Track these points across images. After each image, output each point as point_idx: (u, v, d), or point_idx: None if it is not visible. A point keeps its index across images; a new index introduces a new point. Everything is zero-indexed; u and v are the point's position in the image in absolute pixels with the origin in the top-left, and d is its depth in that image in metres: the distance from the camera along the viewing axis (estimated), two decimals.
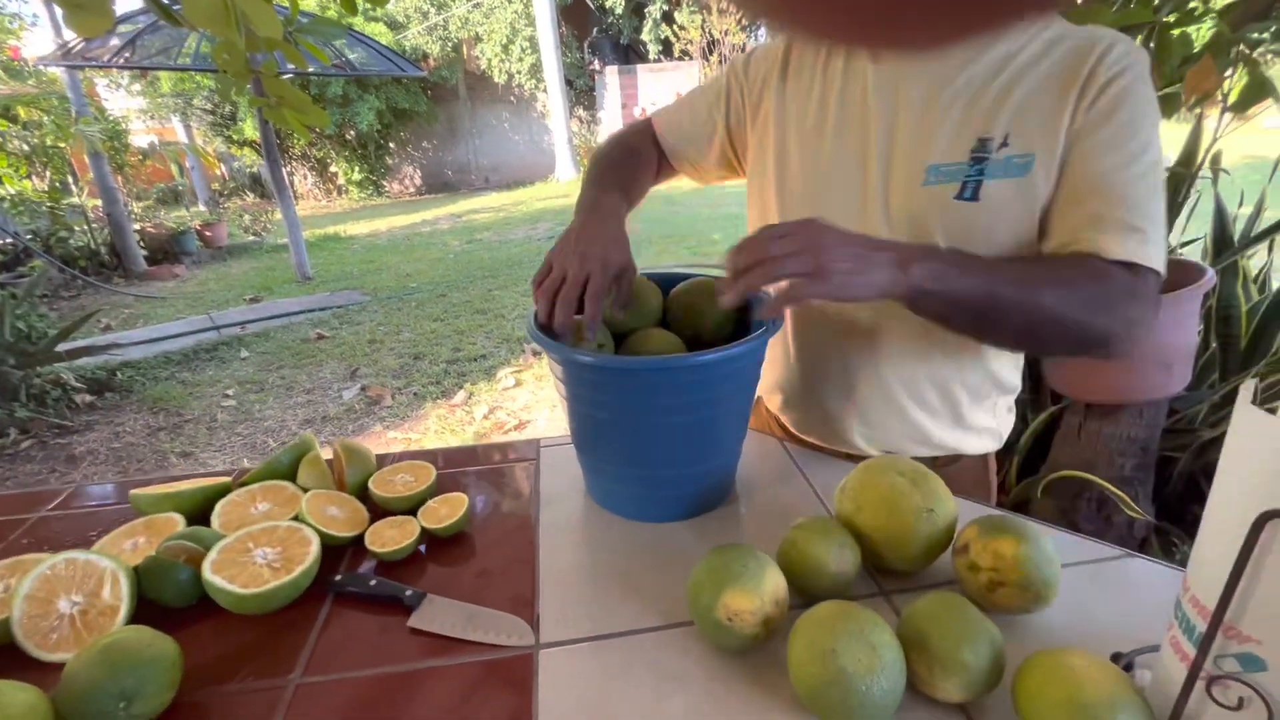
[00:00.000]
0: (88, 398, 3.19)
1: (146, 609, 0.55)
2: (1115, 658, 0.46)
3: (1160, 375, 1.31)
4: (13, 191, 5.57)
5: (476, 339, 3.83)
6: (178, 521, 0.64)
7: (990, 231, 0.67)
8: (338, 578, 0.59)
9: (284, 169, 5.53)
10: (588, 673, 0.50)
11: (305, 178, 11.33)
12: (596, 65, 11.57)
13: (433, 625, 0.54)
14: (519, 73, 10.94)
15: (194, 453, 2.74)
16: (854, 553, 0.55)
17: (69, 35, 5.13)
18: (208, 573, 0.54)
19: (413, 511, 0.67)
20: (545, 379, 3.26)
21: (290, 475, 0.72)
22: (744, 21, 10.14)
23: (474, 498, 0.72)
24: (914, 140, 0.68)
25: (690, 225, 6.65)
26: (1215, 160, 1.40)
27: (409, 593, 0.57)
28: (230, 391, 3.29)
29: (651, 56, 11.46)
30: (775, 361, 0.86)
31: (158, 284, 5.75)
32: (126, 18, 4.76)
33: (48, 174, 5.86)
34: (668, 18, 10.96)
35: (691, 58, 10.73)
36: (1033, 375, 1.60)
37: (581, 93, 11.80)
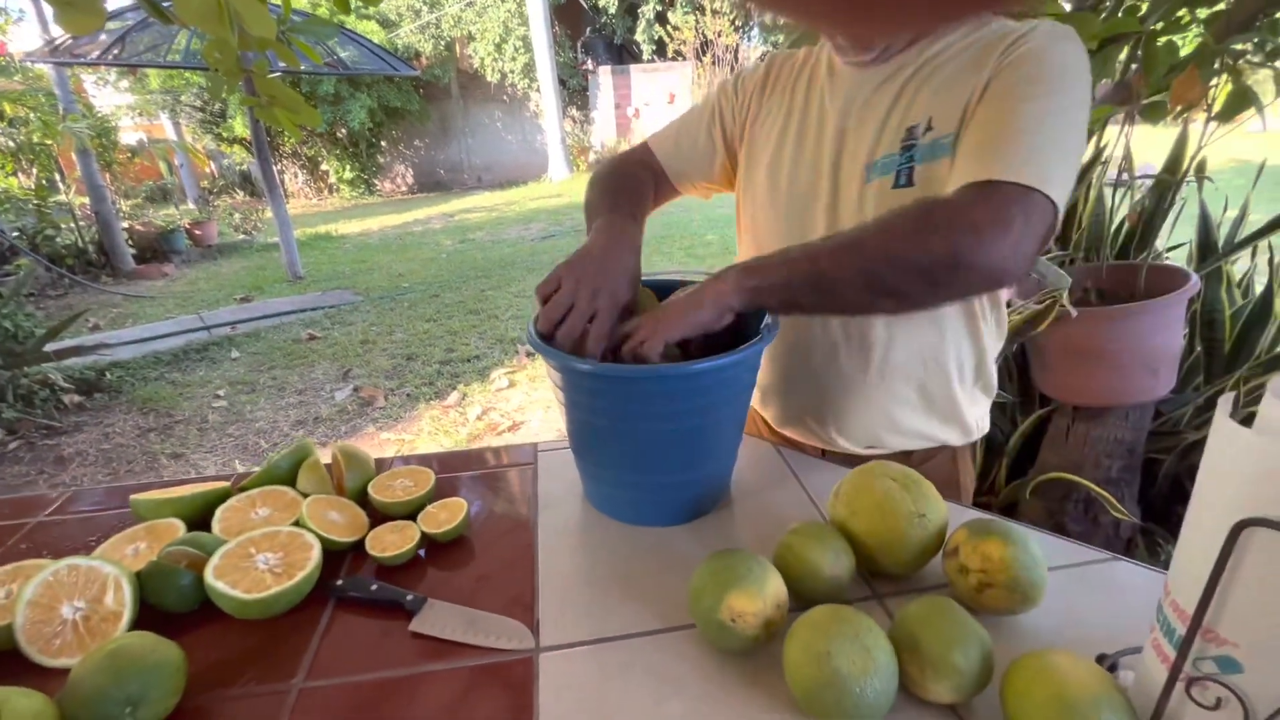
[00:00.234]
0: (76, 398, 3.16)
1: (149, 614, 0.56)
2: (1100, 659, 0.48)
3: (1146, 379, 1.34)
4: None
5: (470, 340, 3.82)
6: (178, 527, 0.64)
7: None
8: (339, 582, 0.60)
9: (274, 167, 5.49)
10: (587, 676, 0.51)
11: (296, 176, 11.26)
12: (590, 65, 11.57)
13: (434, 629, 0.55)
14: (512, 72, 10.92)
15: (185, 454, 2.73)
16: (848, 557, 0.56)
17: (56, 31, 5.08)
18: (210, 578, 0.55)
19: (412, 516, 0.68)
20: (539, 380, 3.26)
21: (289, 480, 0.72)
22: (737, 22, 10.16)
23: (473, 502, 0.73)
24: (856, 144, 0.72)
25: (684, 227, 6.67)
26: (1200, 167, 1.42)
27: (410, 597, 0.58)
28: (221, 392, 3.27)
29: (645, 56, 11.47)
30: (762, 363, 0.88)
31: (146, 283, 5.71)
32: (116, 15, 4.71)
33: (34, 171, 5.79)
34: (661, 18, 10.97)
35: (685, 58, 10.74)
36: (1022, 379, 1.63)
37: (575, 92, 11.79)
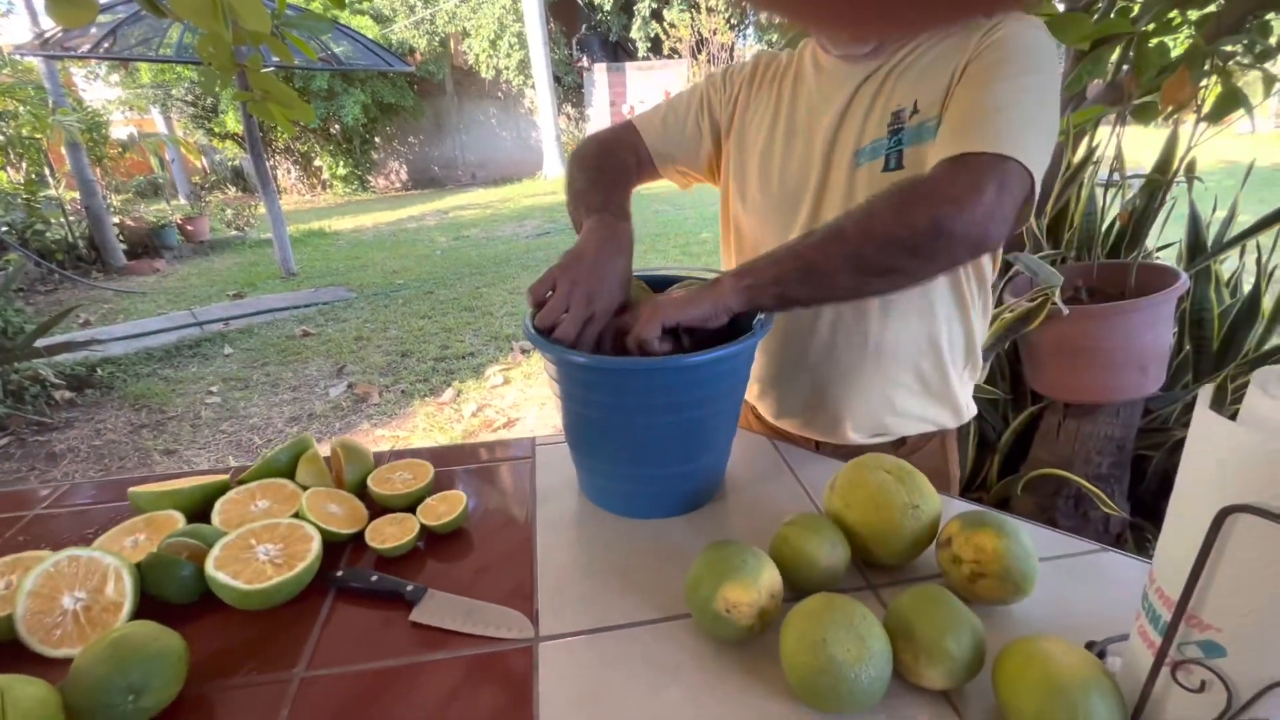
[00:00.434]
0: (67, 394, 3.14)
1: (149, 605, 0.56)
2: (1089, 646, 0.49)
3: (1136, 376, 1.36)
4: None
5: (464, 336, 3.82)
6: (177, 519, 0.65)
7: None
8: (339, 573, 0.60)
9: (267, 163, 5.45)
10: (586, 664, 0.52)
11: (289, 172, 11.18)
12: (585, 62, 11.54)
13: (434, 619, 0.55)
14: (507, 69, 10.88)
15: (178, 450, 2.71)
16: (844, 548, 0.57)
17: (46, 23, 5.03)
18: (211, 569, 0.55)
19: (411, 509, 0.68)
20: (534, 377, 3.26)
21: (288, 473, 0.72)
22: (732, 20, 10.16)
23: (471, 495, 0.74)
24: (844, 132, 0.74)
25: (678, 225, 6.67)
26: (1190, 167, 1.44)
27: (410, 588, 0.58)
28: (214, 388, 3.25)
29: (640, 54, 11.45)
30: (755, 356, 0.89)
31: (138, 279, 5.66)
32: (107, 7, 4.67)
33: (24, 165, 5.73)
34: (657, 15, 10.95)
35: (680, 56, 10.74)
36: (1014, 376, 1.65)
37: (570, 89, 11.76)
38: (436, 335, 3.86)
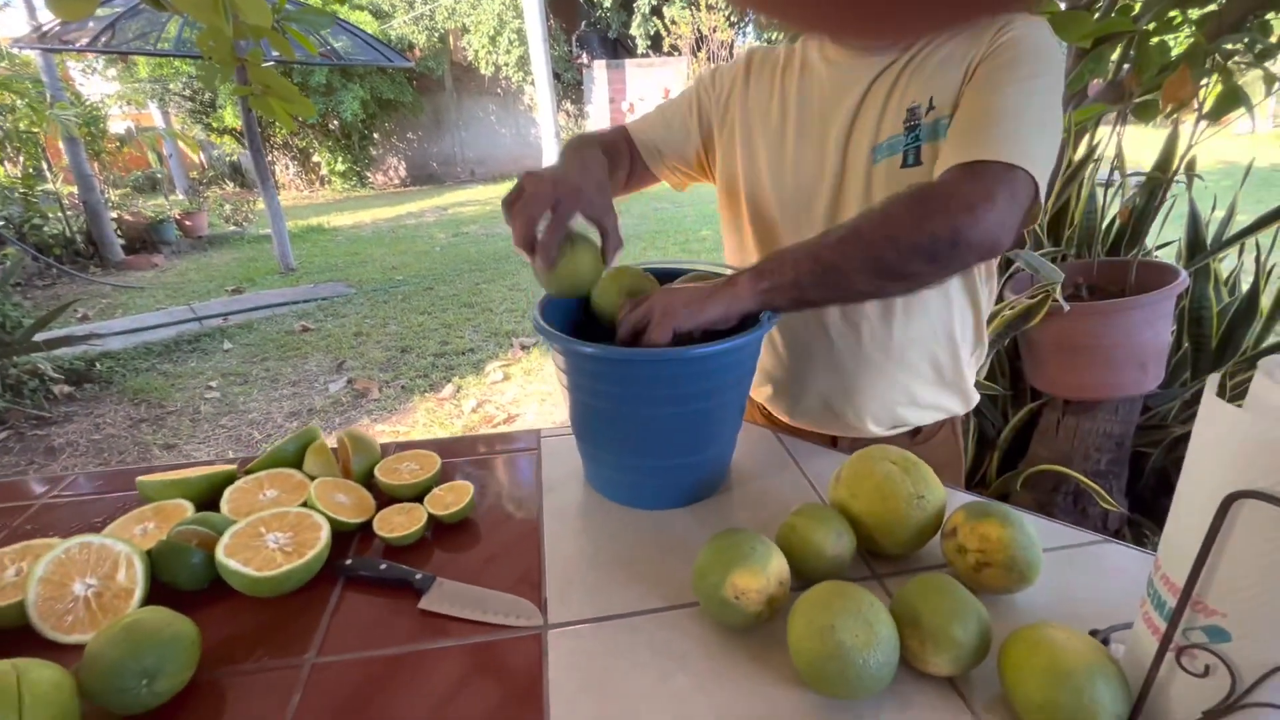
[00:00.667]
0: (66, 389, 3.13)
1: (159, 592, 0.56)
2: (1093, 633, 0.49)
3: (1135, 373, 1.37)
4: None
5: (464, 333, 3.82)
6: (185, 508, 0.65)
7: None
8: (348, 562, 0.60)
9: (265, 158, 5.44)
10: (594, 652, 0.52)
11: (287, 167, 11.15)
12: (584, 59, 11.52)
13: (443, 607, 0.56)
14: (506, 65, 10.85)
15: (177, 445, 2.71)
16: (849, 538, 0.57)
17: (44, 17, 5.01)
18: (221, 556, 0.55)
19: (418, 499, 0.68)
20: (534, 373, 3.26)
21: (295, 463, 0.73)
22: (733, 17, 10.16)
23: (478, 486, 0.74)
24: (861, 128, 0.73)
25: (678, 223, 6.67)
26: (1190, 166, 1.45)
27: (419, 576, 0.58)
28: (213, 383, 3.25)
29: (640, 51, 11.44)
30: (762, 355, 0.89)
31: (136, 274, 5.65)
32: (106, 0, 4.65)
33: (21, 159, 5.71)
34: (656, 12, 10.93)
35: (680, 53, 10.72)
36: (1014, 373, 1.65)
37: (569, 86, 11.73)
38: (436, 331, 3.86)
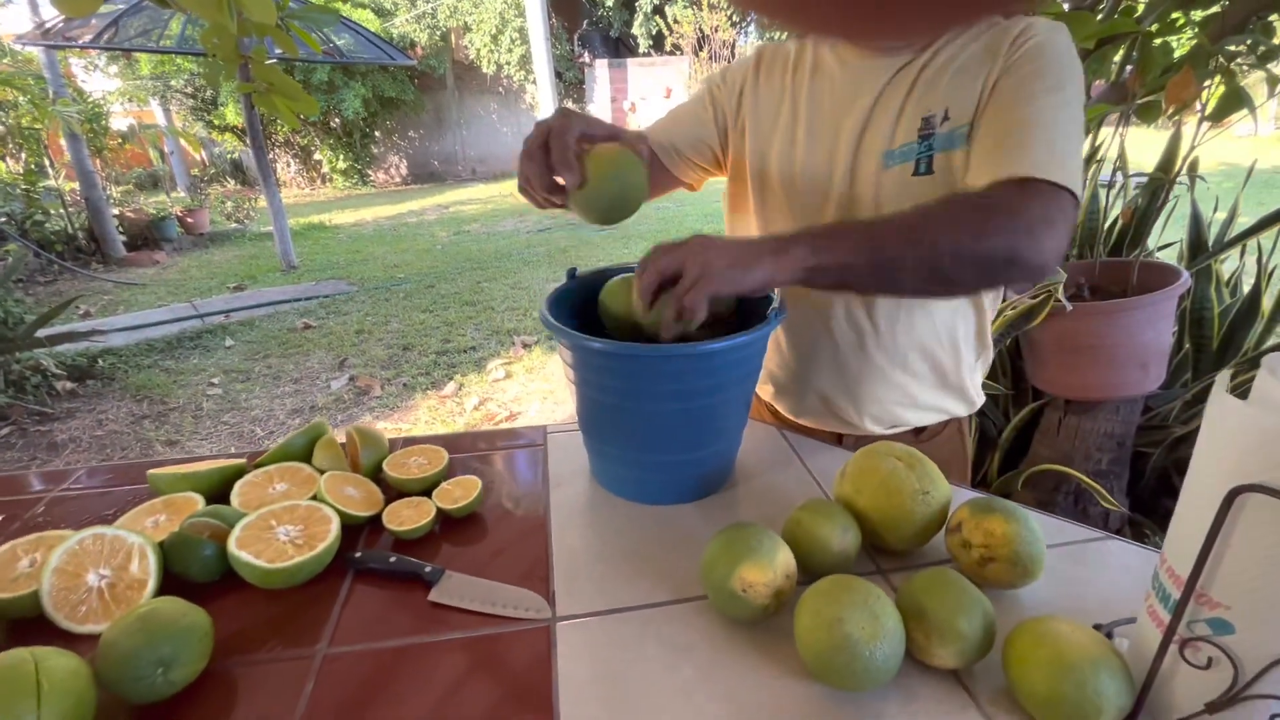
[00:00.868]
0: (68, 385, 3.14)
1: (172, 584, 0.57)
2: (1096, 628, 0.50)
3: (1137, 373, 1.37)
4: None
5: (466, 331, 3.82)
6: (196, 500, 0.66)
7: None
8: (358, 554, 0.61)
9: (267, 155, 5.44)
10: (602, 644, 0.53)
11: (288, 165, 11.16)
12: (586, 58, 11.52)
13: (453, 599, 0.56)
14: (508, 63, 10.85)
15: (180, 441, 2.72)
16: (855, 533, 0.58)
17: (47, 13, 5.01)
18: (233, 548, 0.56)
19: (426, 493, 0.69)
20: (536, 371, 3.27)
21: (304, 457, 0.73)
22: (735, 17, 10.16)
23: (485, 481, 0.74)
24: (873, 133, 0.73)
25: (679, 222, 6.68)
26: (1192, 167, 1.45)
27: (428, 569, 0.59)
28: (215, 380, 3.26)
29: (642, 50, 11.44)
30: (767, 353, 0.89)
31: (138, 270, 5.65)
32: None
33: (23, 156, 5.71)
34: (658, 11, 10.94)
35: (682, 52, 10.73)
36: (1015, 373, 1.66)
37: (571, 85, 11.74)
38: (438, 329, 3.86)
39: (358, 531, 0.66)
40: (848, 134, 0.75)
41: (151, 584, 0.55)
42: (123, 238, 5.95)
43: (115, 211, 6.08)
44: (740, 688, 0.49)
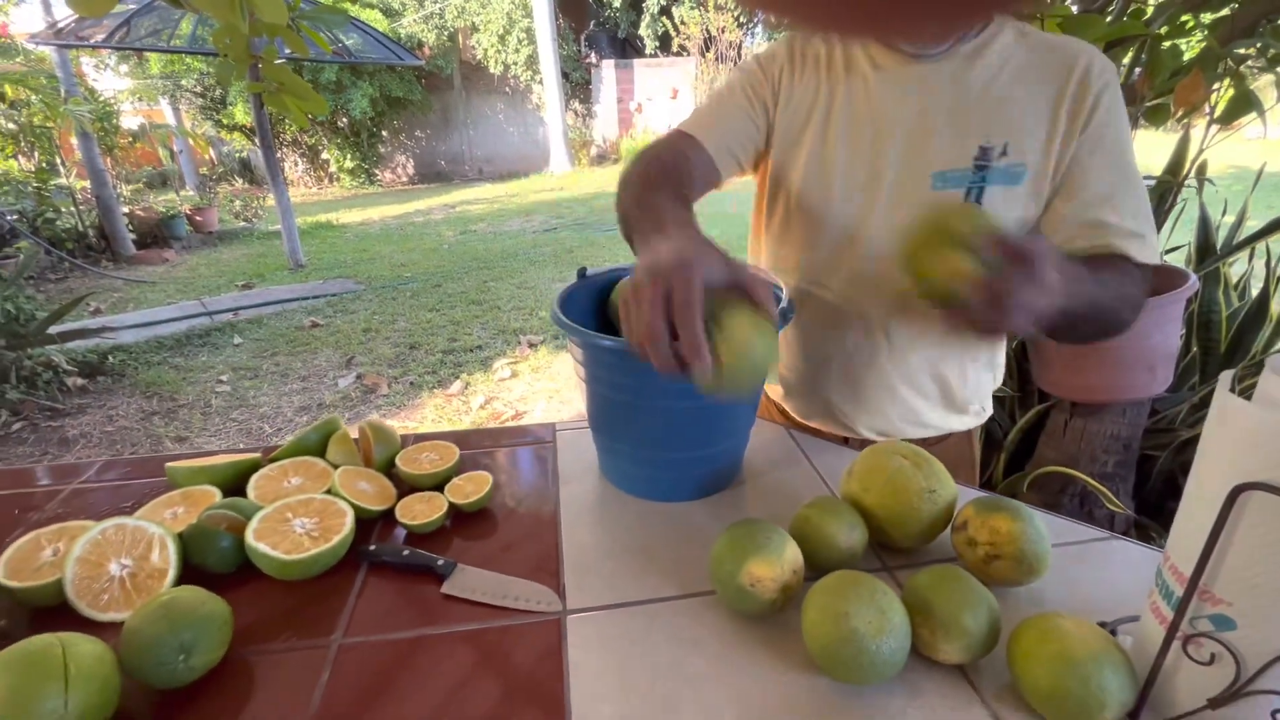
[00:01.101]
0: (79, 381, 3.17)
1: (190, 574, 0.58)
2: (1100, 625, 0.50)
3: (1144, 376, 1.37)
4: None
5: (472, 330, 3.84)
6: (213, 493, 0.67)
7: None
8: (372, 547, 0.62)
9: (275, 155, 5.47)
10: (612, 637, 0.54)
11: (296, 164, 11.22)
12: (593, 58, 11.55)
13: (465, 592, 0.57)
14: (515, 64, 10.89)
15: (189, 437, 2.74)
16: (862, 530, 0.58)
17: (60, 13, 5.06)
18: (251, 539, 0.57)
19: (438, 488, 0.70)
20: (541, 371, 3.28)
21: (318, 452, 0.74)
22: (742, 18, 10.16)
23: (495, 477, 0.75)
24: (919, 148, 0.71)
25: None
26: (1201, 170, 1.45)
27: (441, 562, 0.60)
28: (224, 377, 3.28)
29: (648, 51, 11.45)
30: (780, 355, 0.90)
31: (147, 268, 5.70)
32: None
33: (35, 154, 5.77)
34: (665, 12, 10.95)
35: (688, 53, 10.73)
36: (1021, 375, 1.66)
37: (577, 86, 11.76)
38: (444, 328, 3.88)
39: (371, 525, 0.67)
40: (893, 148, 0.72)
41: (171, 573, 0.56)
42: (132, 236, 5.99)
43: (125, 210, 6.13)
44: (747, 681, 0.50)
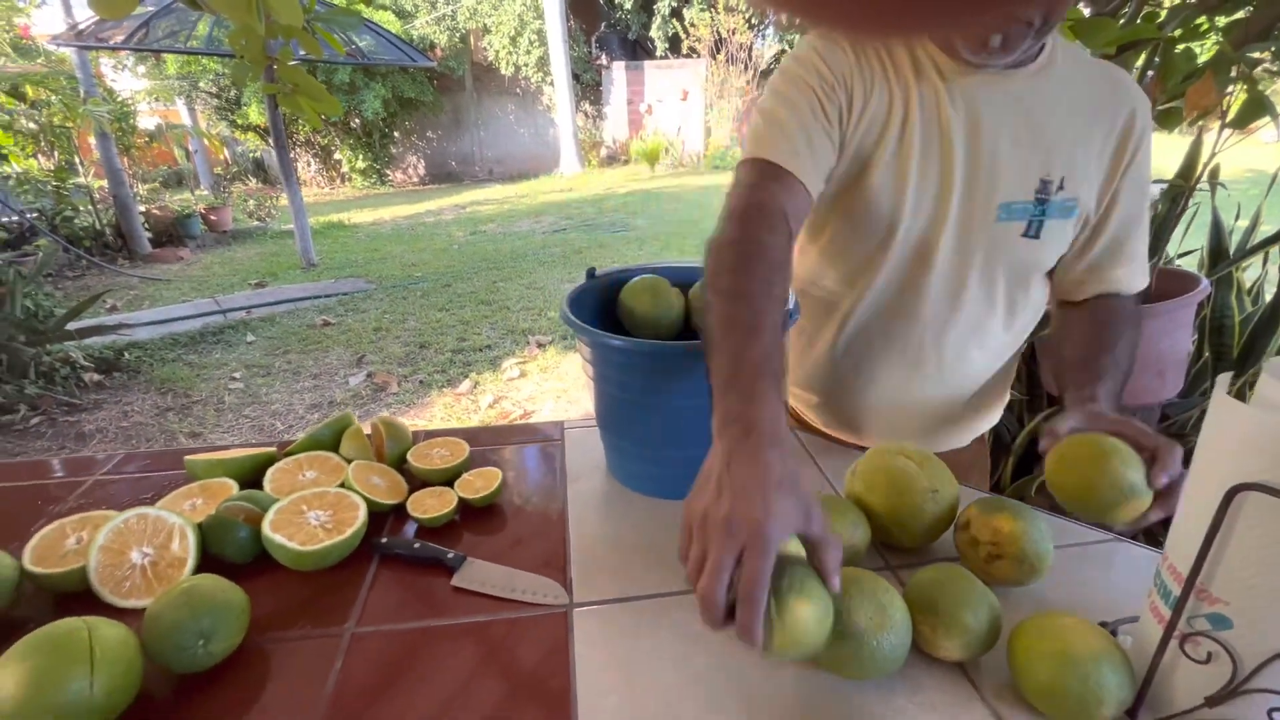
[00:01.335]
0: (96, 377, 3.22)
1: (209, 563, 0.59)
2: (1100, 625, 0.51)
3: (1153, 381, 1.36)
4: (18, 170, 5.58)
5: (481, 330, 3.86)
6: (231, 486, 0.68)
7: (1040, 266, 0.75)
8: (384, 540, 0.63)
9: (289, 155, 5.54)
10: (617, 630, 0.55)
11: (309, 164, 11.33)
12: (604, 60, 11.58)
13: (474, 585, 0.59)
14: (526, 65, 10.94)
15: (202, 433, 2.78)
16: (865, 529, 0.59)
17: (80, 14, 5.14)
18: (267, 530, 0.59)
19: (449, 483, 0.71)
20: (550, 371, 3.30)
21: (331, 447, 0.76)
22: (752, 19, 10.15)
23: (505, 473, 0.77)
24: (987, 173, 0.69)
25: (693, 224, 6.68)
26: (1213, 174, 1.44)
27: (451, 555, 0.61)
28: (237, 374, 3.32)
29: (659, 53, 11.47)
30: (818, 366, 0.86)
31: (162, 266, 5.77)
32: None
33: (54, 154, 5.86)
34: (676, 14, 10.97)
35: (699, 55, 10.74)
36: (1030, 379, 1.65)
37: (588, 87, 11.80)
38: (454, 328, 3.91)
39: (383, 518, 0.69)
40: (959, 167, 0.68)
41: (191, 562, 0.58)
42: (148, 234, 6.08)
43: (142, 209, 6.21)
44: (750, 674, 0.50)
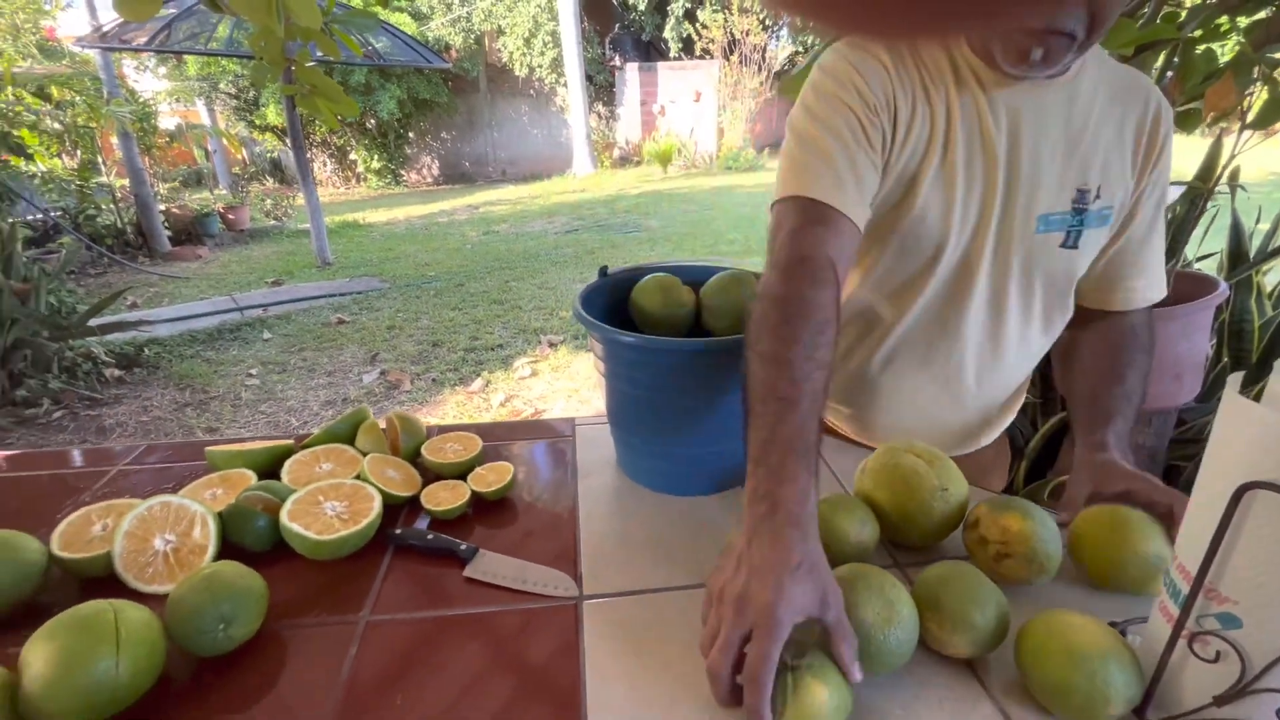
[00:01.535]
0: (116, 372, 3.28)
1: (228, 551, 0.61)
2: (1110, 625, 0.51)
3: (1171, 385, 1.35)
4: (43, 169, 5.69)
5: (494, 329, 3.89)
6: (249, 477, 0.70)
7: (1076, 274, 0.75)
8: (398, 531, 0.65)
9: (305, 155, 5.61)
10: (627, 623, 0.56)
11: (324, 165, 11.46)
12: (617, 61, 11.61)
13: (486, 576, 0.60)
14: (540, 66, 11.00)
15: (219, 428, 2.82)
16: (873, 526, 0.60)
17: (105, 16, 5.24)
18: (285, 520, 0.60)
19: (462, 477, 0.73)
20: (561, 370, 3.31)
21: (348, 440, 0.78)
22: (766, 21, 10.13)
23: (517, 467, 0.78)
24: (1029, 188, 0.68)
25: (706, 225, 6.68)
26: (1233, 176, 1.42)
27: (463, 547, 0.62)
28: (253, 371, 3.37)
29: (672, 54, 11.49)
30: (853, 379, 0.84)
31: (181, 264, 5.87)
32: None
33: (78, 153, 5.98)
34: (690, 15, 10.98)
35: (712, 56, 10.74)
36: (1044, 382, 1.64)
37: (601, 88, 11.84)
38: (466, 327, 3.94)
39: (397, 510, 0.70)
40: (1000, 178, 0.67)
41: (211, 549, 0.59)
42: (168, 233, 6.18)
43: (162, 207, 6.32)
44: None
